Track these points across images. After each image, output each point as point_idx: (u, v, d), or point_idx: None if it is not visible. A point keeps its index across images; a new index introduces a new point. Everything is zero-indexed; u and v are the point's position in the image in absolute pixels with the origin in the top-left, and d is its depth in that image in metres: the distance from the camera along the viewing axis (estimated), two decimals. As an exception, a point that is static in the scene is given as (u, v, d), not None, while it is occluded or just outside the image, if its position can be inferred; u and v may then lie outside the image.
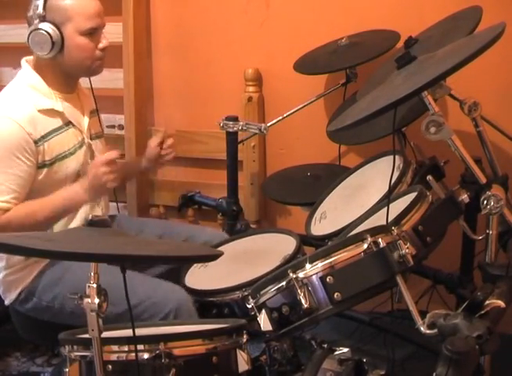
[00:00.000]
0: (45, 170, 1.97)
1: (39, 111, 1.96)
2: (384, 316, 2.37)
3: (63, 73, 2.03)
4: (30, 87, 2.00)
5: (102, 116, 2.33)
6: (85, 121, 2.11)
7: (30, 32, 1.96)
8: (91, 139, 2.13)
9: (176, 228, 2.32)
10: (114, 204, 2.52)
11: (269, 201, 2.81)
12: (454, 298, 2.22)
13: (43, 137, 1.95)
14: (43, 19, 1.95)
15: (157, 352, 1.44)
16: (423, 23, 2.32)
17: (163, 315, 1.87)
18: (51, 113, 2.00)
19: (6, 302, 2.05)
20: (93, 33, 1.99)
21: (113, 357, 1.46)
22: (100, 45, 2.02)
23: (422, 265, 2.01)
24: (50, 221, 1.97)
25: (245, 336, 1.57)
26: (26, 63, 2.04)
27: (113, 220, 2.26)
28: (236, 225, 2.54)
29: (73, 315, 1.86)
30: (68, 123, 2.04)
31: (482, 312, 1.46)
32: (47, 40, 1.94)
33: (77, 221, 2.06)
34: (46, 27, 1.94)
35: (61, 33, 1.95)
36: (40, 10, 1.95)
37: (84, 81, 2.21)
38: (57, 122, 2.01)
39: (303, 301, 1.47)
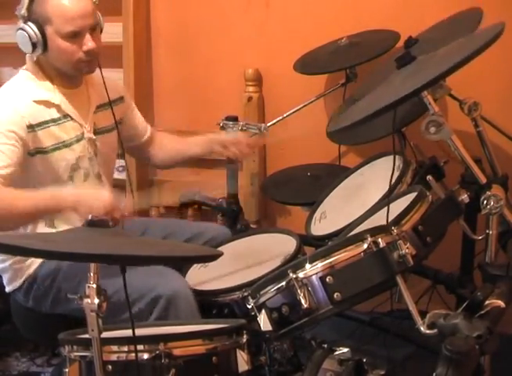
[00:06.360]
0: (37, 159, 1.96)
1: (35, 101, 1.97)
2: (384, 316, 2.37)
3: (57, 69, 2.03)
4: (29, 79, 2.02)
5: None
6: (89, 116, 2.08)
7: (16, 31, 1.96)
8: (95, 133, 2.10)
9: (180, 227, 2.29)
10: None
11: (269, 201, 2.81)
12: (454, 298, 2.22)
13: (38, 125, 1.95)
14: (28, 19, 1.94)
15: (157, 352, 1.45)
16: (423, 23, 2.33)
17: (148, 299, 1.82)
18: (47, 104, 2.00)
19: (8, 289, 2.05)
20: (76, 36, 1.94)
21: (113, 357, 1.46)
22: (84, 48, 1.96)
23: (422, 265, 2.00)
24: (27, 215, 1.87)
25: (245, 336, 1.57)
26: (29, 57, 2.04)
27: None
28: (236, 226, 2.54)
29: (68, 301, 1.83)
30: (66, 115, 2.03)
31: (482, 312, 1.46)
32: (27, 40, 1.94)
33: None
34: (28, 27, 1.94)
35: (44, 34, 1.94)
36: (23, 10, 1.95)
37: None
38: (54, 113, 2.01)
39: (303, 301, 1.47)
